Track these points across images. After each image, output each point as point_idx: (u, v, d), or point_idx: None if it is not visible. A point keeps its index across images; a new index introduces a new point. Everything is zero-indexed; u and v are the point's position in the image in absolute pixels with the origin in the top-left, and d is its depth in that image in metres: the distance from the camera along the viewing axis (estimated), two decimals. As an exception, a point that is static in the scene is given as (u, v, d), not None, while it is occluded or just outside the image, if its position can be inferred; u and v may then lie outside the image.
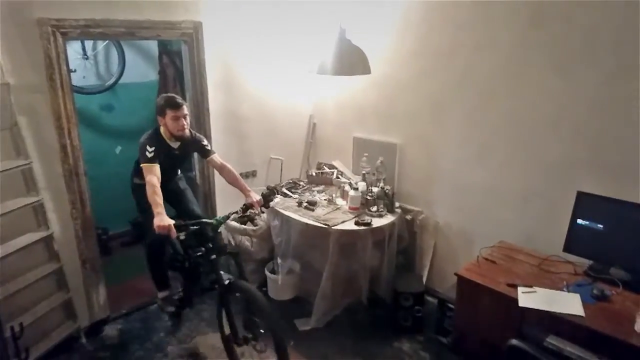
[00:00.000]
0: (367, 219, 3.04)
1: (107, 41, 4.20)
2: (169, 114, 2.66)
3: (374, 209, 3.16)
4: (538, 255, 2.63)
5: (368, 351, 2.90)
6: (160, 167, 2.66)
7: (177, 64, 4.22)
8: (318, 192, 3.56)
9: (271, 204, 2.97)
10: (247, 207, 2.72)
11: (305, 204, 3.26)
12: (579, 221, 2.46)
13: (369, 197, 3.21)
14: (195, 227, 2.48)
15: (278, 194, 3.41)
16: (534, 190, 2.77)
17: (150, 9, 2.91)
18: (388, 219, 3.11)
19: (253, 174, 3.83)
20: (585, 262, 2.49)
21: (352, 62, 2.92)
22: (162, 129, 2.75)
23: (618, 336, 1.95)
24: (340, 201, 3.35)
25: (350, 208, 3.18)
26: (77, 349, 2.93)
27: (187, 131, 2.74)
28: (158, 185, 2.53)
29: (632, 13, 2.23)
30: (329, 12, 3.54)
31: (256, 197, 2.77)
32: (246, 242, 3.45)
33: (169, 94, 2.82)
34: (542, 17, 2.53)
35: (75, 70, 3.97)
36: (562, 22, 2.47)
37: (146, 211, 2.61)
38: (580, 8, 2.38)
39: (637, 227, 2.29)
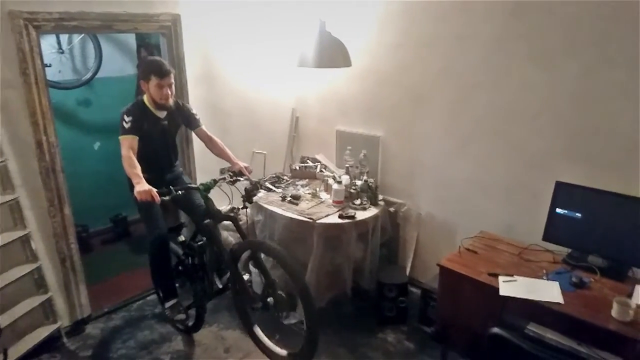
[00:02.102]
0: (350, 212, 3.04)
1: (83, 35, 4.10)
2: (153, 80, 2.48)
3: (358, 202, 3.17)
4: (518, 245, 2.68)
5: (353, 342, 2.92)
6: (150, 143, 2.52)
7: (156, 58, 4.14)
8: (302, 186, 3.55)
9: (254, 198, 2.95)
10: (236, 173, 2.70)
11: (289, 198, 3.25)
12: (558, 210, 2.51)
13: (352, 191, 3.22)
14: (180, 192, 2.39)
15: (261, 188, 3.38)
16: (514, 180, 2.81)
17: (127, 1, 2.84)
18: (371, 211, 3.12)
19: (236, 168, 3.80)
20: (564, 251, 2.54)
21: (332, 54, 2.91)
22: (145, 98, 2.58)
23: (596, 322, 2.00)
24: (324, 195, 3.34)
25: (334, 202, 3.18)
26: (58, 349, 2.88)
27: (171, 100, 2.58)
28: (134, 157, 2.42)
29: (610, 5, 2.27)
30: (310, 4, 3.51)
31: (244, 164, 2.75)
32: (230, 237, 3.43)
33: (156, 58, 2.61)
34: (523, 8, 2.55)
35: (50, 65, 3.87)
36: (542, 13, 2.50)
37: (143, 210, 2.53)
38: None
39: (614, 216, 2.35)
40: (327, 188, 3.34)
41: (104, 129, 4.33)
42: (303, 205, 3.18)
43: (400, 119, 3.32)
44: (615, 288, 2.23)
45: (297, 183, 3.61)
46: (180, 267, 2.93)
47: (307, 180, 3.67)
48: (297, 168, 3.78)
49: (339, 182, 3.19)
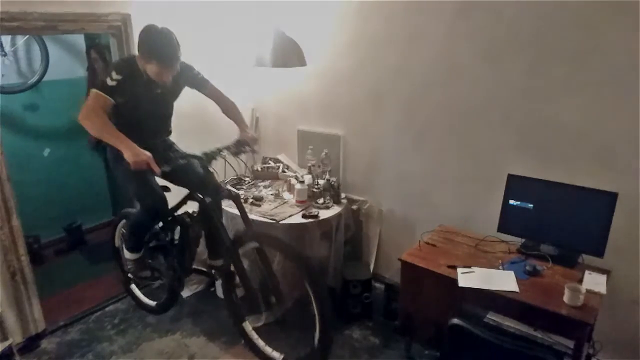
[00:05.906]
0: (314, 211, 3.05)
1: (27, 36, 3.90)
2: (154, 66, 2.12)
3: (321, 201, 3.17)
4: (475, 237, 2.76)
5: (320, 342, 2.92)
6: (139, 111, 2.20)
7: (107, 59, 3.99)
8: (264, 187, 3.52)
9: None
10: (241, 142, 2.40)
11: (251, 200, 3.21)
12: (511, 202, 2.60)
13: (315, 190, 3.22)
14: (182, 161, 2.14)
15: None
16: (468, 174, 2.90)
17: (73, 1, 2.72)
18: (335, 210, 3.13)
19: (195, 171, 3.71)
20: (518, 241, 2.63)
21: (286, 54, 2.91)
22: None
23: (549, 308, 2.09)
24: (287, 195, 3.33)
25: (297, 201, 3.17)
26: (10, 368, 2.74)
27: (170, 79, 2.22)
28: (106, 116, 2.04)
29: (546, 4, 2.38)
30: (267, 4, 3.48)
31: (252, 133, 2.46)
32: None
33: (165, 35, 2.12)
34: (468, 8, 2.63)
35: (-9, 68, 3.67)
36: (486, 13, 2.58)
37: (134, 179, 2.27)
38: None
39: (563, 205, 2.46)
40: (290, 188, 3.33)
41: (54, 135, 4.14)
42: (266, 206, 3.16)
43: (359, 117, 3.35)
44: (567, 274, 2.33)
45: (259, 184, 3.58)
46: (155, 243, 2.65)
47: (269, 181, 3.64)
48: (259, 169, 3.74)
49: (302, 182, 3.19)
